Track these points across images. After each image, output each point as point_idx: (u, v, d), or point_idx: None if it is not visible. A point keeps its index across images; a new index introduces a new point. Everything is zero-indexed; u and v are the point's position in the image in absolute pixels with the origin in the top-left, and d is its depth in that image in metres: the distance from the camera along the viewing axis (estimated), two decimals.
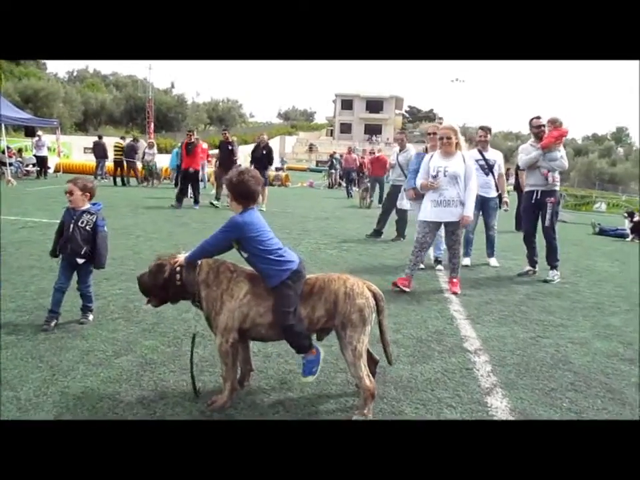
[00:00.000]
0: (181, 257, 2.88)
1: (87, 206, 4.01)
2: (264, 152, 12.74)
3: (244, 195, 2.85)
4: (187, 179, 12.80)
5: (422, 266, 6.71)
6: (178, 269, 2.85)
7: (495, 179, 7.07)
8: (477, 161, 6.99)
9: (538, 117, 6.55)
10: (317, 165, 46.34)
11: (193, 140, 12.97)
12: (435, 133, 6.25)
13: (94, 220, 3.96)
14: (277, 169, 25.96)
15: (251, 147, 13.69)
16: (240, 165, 17.02)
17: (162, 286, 2.88)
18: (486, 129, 7.22)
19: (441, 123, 6.43)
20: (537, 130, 6.46)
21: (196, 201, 12.62)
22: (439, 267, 6.83)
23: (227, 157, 12.98)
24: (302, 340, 2.78)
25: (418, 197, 6.70)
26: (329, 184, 25.99)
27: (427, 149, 6.76)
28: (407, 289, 5.47)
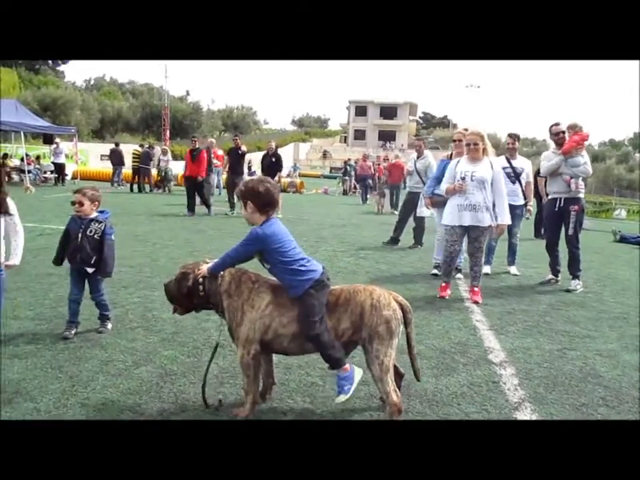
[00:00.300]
0: (205, 267, 2.84)
1: (95, 214, 3.96)
2: (273, 159, 12.68)
3: (267, 203, 2.79)
4: (192, 187, 12.41)
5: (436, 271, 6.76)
6: (201, 279, 2.81)
7: (522, 187, 6.95)
8: (503, 168, 6.90)
9: (557, 124, 6.42)
10: (330, 172, 46.30)
11: (197, 146, 12.78)
12: (460, 140, 6.16)
13: (102, 228, 3.91)
14: (287, 175, 25.81)
15: (264, 153, 13.63)
16: (254, 172, 16.72)
17: (186, 295, 2.85)
18: (514, 136, 7.12)
19: (466, 129, 6.33)
20: (557, 137, 6.34)
21: (208, 206, 12.51)
22: (459, 275, 6.73)
23: (237, 164, 12.87)
24: (333, 351, 2.70)
25: (435, 205, 6.67)
26: (344, 190, 25.99)
27: (451, 155, 6.67)
28: (448, 296, 5.60)
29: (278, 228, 2.79)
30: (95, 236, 3.88)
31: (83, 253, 3.85)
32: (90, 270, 3.91)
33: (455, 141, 6.48)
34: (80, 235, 3.85)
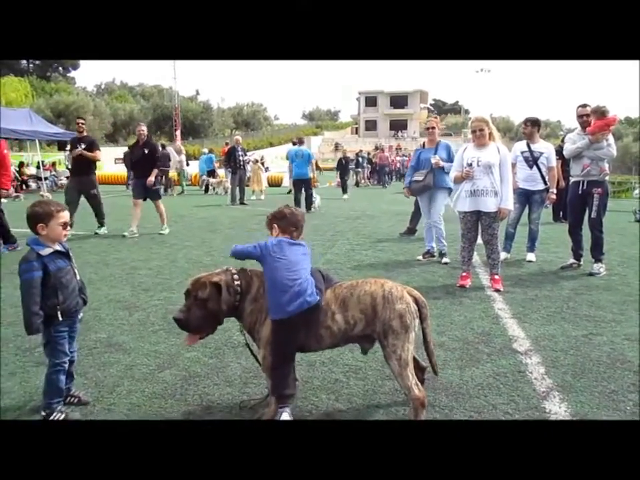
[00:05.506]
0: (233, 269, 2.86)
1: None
2: (145, 151, 9.14)
3: (288, 224, 2.84)
4: None
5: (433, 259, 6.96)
6: (237, 277, 2.77)
7: (540, 171, 6.78)
8: (522, 152, 6.86)
9: (584, 106, 6.27)
10: None
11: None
12: (433, 128, 6.96)
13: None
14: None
15: (277, 149, 12.47)
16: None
17: (222, 305, 2.74)
18: (533, 121, 6.96)
19: (436, 117, 7.08)
20: (582, 119, 6.21)
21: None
22: (445, 259, 6.89)
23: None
24: (281, 384, 2.68)
25: (413, 192, 7.08)
26: (356, 182, 26.06)
27: (424, 145, 7.15)
28: (468, 285, 5.56)
29: (283, 247, 2.72)
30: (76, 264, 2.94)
31: (82, 292, 2.93)
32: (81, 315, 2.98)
33: (427, 129, 7.10)
34: (75, 271, 2.87)
